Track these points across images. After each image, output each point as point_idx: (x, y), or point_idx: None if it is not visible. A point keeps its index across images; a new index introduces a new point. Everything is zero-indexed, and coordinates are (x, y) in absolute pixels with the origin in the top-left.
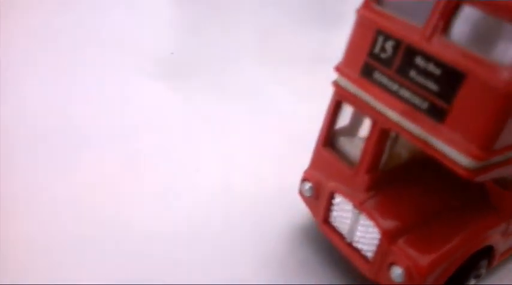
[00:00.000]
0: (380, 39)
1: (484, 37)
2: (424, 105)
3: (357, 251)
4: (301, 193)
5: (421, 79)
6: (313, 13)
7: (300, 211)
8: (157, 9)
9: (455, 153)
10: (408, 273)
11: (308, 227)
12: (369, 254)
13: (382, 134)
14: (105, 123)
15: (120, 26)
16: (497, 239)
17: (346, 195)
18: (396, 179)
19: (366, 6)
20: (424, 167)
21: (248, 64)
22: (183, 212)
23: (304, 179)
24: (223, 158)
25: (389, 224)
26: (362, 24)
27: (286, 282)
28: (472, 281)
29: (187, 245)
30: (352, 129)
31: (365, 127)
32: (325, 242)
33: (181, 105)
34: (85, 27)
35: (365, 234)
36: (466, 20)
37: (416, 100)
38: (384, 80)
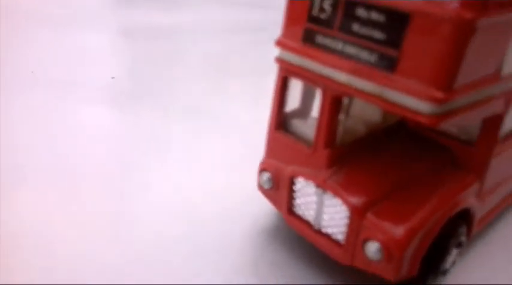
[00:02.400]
0: (317, 0)
1: None
2: (373, 58)
3: (327, 236)
4: (260, 187)
5: (365, 31)
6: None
7: (264, 213)
8: (98, 42)
9: (414, 101)
10: (385, 247)
11: (274, 228)
12: (340, 237)
13: (334, 103)
14: (50, 150)
15: (61, 58)
16: (472, 202)
17: (308, 176)
18: (356, 154)
19: None
20: (384, 140)
21: (190, 82)
22: (146, 230)
23: (262, 170)
24: (176, 171)
25: (357, 198)
26: None
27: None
28: (454, 252)
29: (156, 260)
30: (303, 110)
31: (317, 107)
32: (294, 240)
33: (129, 124)
34: (26, 59)
35: (333, 215)
36: None
37: (364, 55)
38: (328, 41)
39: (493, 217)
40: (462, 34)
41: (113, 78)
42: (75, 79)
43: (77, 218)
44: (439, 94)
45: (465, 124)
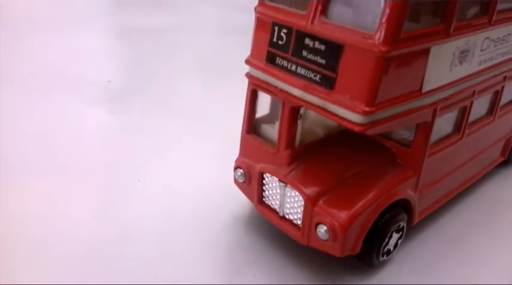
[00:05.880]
0: (276, 29)
1: (356, 14)
2: (317, 78)
3: (289, 222)
4: (236, 181)
5: (311, 57)
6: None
7: (240, 203)
8: (94, 43)
9: (348, 113)
10: (331, 229)
11: (248, 216)
12: (299, 222)
13: (292, 112)
14: (49, 146)
15: (62, 62)
16: (409, 194)
17: (272, 172)
18: (312, 153)
19: (261, 4)
20: (338, 141)
21: (183, 83)
22: (129, 217)
23: (236, 167)
24: (164, 167)
25: (310, 190)
26: (260, 19)
27: (233, 267)
28: (395, 235)
29: (137, 245)
30: (272, 116)
31: None
32: (264, 225)
33: (123, 124)
34: (26, 62)
35: (293, 204)
36: (341, 2)
37: (311, 75)
38: (284, 63)
39: (435, 209)
40: (379, 62)
41: (109, 81)
42: (72, 81)
43: (76, 216)
44: (365, 108)
45: (394, 129)
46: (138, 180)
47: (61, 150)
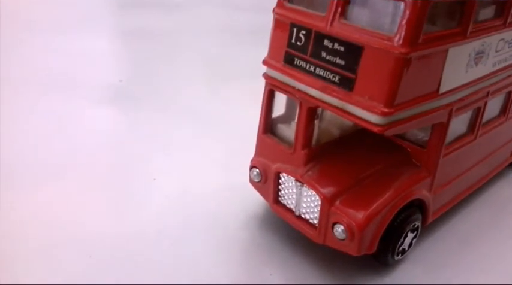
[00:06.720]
0: (294, 31)
1: (375, 15)
2: (336, 79)
3: (305, 221)
4: (251, 180)
5: (330, 58)
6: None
7: (254, 202)
8: (97, 45)
9: (367, 114)
10: (349, 228)
11: (262, 215)
12: (315, 221)
13: (309, 113)
14: (61, 146)
15: (68, 63)
16: (424, 194)
17: (289, 172)
18: (329, 153)
19: (279, 5)
20: (354, 142)
21: (190, 84)
22: (146, 215)
23: (252, 167)
24: (177, 167)
25: (327, 189)
26: (278, 20)
27: (249, 266)
28: (410, 235)
29: (153, 245)
30: (287, 116)
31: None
32: (279, 224)
33: (132, 125)
34: (27, 63)
35: (309, 203)
36: (359, 4)
37: (330, 76)
38: (303, 64)
39: (448, 209)
40: (399, 64)
41: (120, 81)
42: (75, 82)
43: (76, 216)
44: (384, 109)
45: (411, 129)
46: (154, 179)
47: (67, 151)
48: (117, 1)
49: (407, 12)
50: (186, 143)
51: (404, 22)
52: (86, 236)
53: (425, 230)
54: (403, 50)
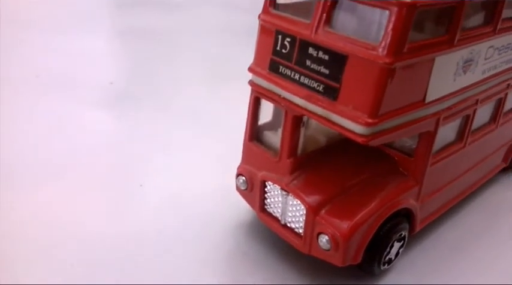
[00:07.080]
0: (279, 38)
1: (362, 23)
2: (321, 88)
3: (291, 230)
4: (238, 188)
5: (315, 66)
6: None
7: (241, 210)
8: (96, 45)
9: (351, 124)
10: (333, 239)
11: (248, 223)
12: (300, 230)
13: (295, 121)
14: (61, 146)
15: (68, 63)
16: (411, 203)
17: (275, 181)
18: (316, 161)
19: (265, 11)
20: (340, 150)
21: (186, 85)
22: (146, 215)
23: (238, 174)
24: (177, 167)
25: (312, 199)
26: (264, 27)
27: (234, 275)
28: (397, 244)
29: (139, 249)
30: (274, 123)
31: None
32: (265, 232)
33: (132, 125)
34: (26, 63)
35: (295, 213)
36: (345, 12)
37: (314, 85)
38: (288, 72)
39: (435, 218)
40: (383, 74)
41: (111, 83)
42: (75, 82)
43: (76, 216)
44: (368, 120)
45: (396, 139)
46: (141, 185)
47: (67, 151)
48: (117, 1)
49: (392, 20)
50: (186, 143)
51: (388, 31)
52: (86, 236)
53: (413, 238)
54: (387, 60)
